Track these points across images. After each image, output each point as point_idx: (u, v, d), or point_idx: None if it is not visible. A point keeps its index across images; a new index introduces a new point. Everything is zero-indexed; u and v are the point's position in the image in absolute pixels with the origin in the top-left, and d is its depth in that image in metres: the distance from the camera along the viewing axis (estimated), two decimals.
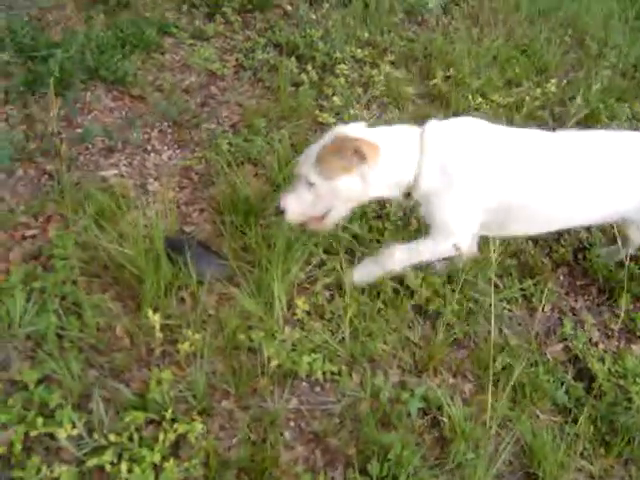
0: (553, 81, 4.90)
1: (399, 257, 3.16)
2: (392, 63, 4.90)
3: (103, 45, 4.34)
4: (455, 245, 3.08)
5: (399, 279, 3.28)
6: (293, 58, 4.63)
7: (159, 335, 2.86)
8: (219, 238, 3.41)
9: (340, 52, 4.77)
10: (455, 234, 3.08)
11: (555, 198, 3.15)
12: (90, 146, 3.84)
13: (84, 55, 4.23)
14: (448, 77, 4.86)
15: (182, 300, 3.10)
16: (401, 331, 3.19)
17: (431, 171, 2.96)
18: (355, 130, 2.97)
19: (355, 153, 2.81)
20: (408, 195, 3.06)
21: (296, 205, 2.96)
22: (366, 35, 5.09)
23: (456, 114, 4.56)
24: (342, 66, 4.65)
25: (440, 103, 4.68)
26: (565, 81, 5.09)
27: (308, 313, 3.14)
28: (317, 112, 4.29)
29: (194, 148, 3.97)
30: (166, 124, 4.11)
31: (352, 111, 4.29)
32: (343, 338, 3.07)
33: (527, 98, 4.77)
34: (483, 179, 3.01)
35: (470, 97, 4.66)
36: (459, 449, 2.71)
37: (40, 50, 4.24)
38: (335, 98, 4.36)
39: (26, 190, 3.54)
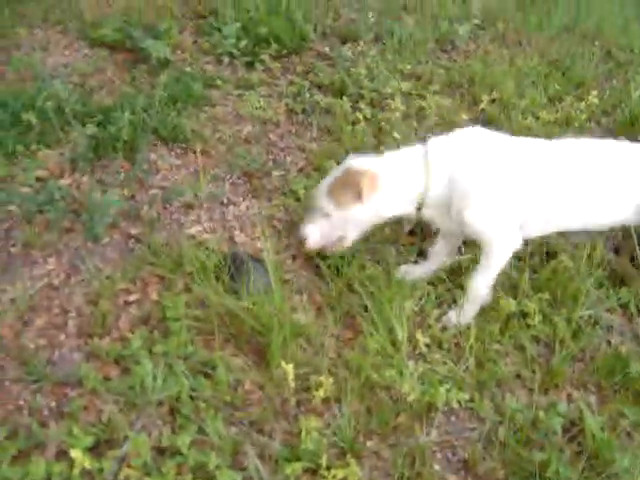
0: (594, 93, 4.99)
1: (482, 283, 3.26)
2: (437, 93, 4.95)
3: (157, 104, 4.36)
4: (508, 245, 3.23)
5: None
6: (345, 98, 4.66)
7: (292, 385, 2.87)
8: (320, 282, 3.44)
9: (388, 87, 4.82)
10: (498, 238, 3.21)
11: (555, 201, 3.28)
12: (168, 205, 3.84)
13: (141, 116, 4.24)
14: (493, 100, 4.92)
15: (301, 347, 3.10)
16: (522, 352, 3.23)
17: (440, 188, 3.14)
18: (363, 161, 3.18)
19: (357, 186, 3.05)
20: (419, 209, 3.23)
21: (314, 234, 3.23)
22: (408, 67, 5.15)
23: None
24: (392, 101, 4.69)
25: (493, 127, 4.72)
26: (607, 92, 5.18)
27: (427, 345, 3.16)
28: (381, 148, 4.31)
29: (270, 196, 3.99)
30: (236, 175, 4.12)
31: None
32: (467, 366, 3.09)
33: (573, 113, 4.85)
34: (495, 184, 3.15)
35: (520, 117, 4.72)
36: (613, 458, 2.74)
37: (96, 115, 4.26)
38: (395, 133, 4.41)
39: (116, 255, 3.53)
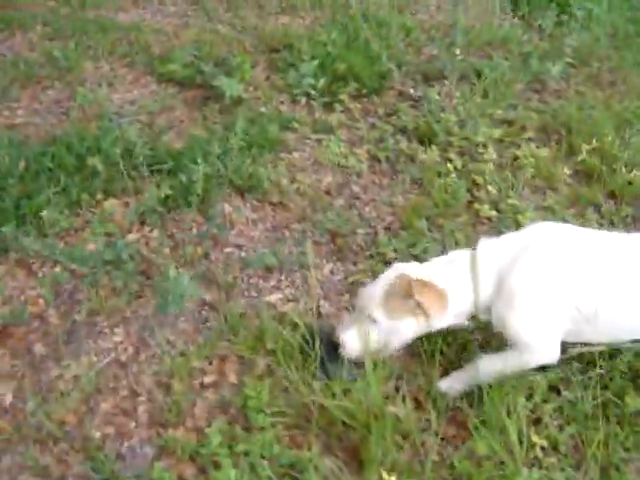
0: None
1: (485, 369, 2.90)
2: (531, 140, 4.55)
3: (232, 151, 4.02)
4: (543, 359, 2.90)
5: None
6: (434, 146, 4.29)
7: None
8: (416, 365, 3.07)
9: (480, 134, 4.42)
10: (535, 346, 2.86)
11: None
12: (244, 267, 3.51)
13: (216, 166, 3.91)
14: (593, 149, 4.49)
15: (399, 445, 2.73)
16: None
17: (488, 293, 2.83)
18: (416, 271, 2.85)
19: (417, 299, 2.72)
20: (473, 317, 2.91)
21: (356, 340, 2.83)
22: (499, 112, 4.75)
23: (612, 193, 4.23)
24: (484, 149, 4.31)
25: (596, 180, 4.31)
26: None
27: (543, 448, 2.77)
28: (476, 206, 3.94)
29: (355, 259, 3.63)
30: (318, 233, 3.77)
31: (510, 200, 3.95)
32: (586, 472, 2.70)
33: None
34: (545, 292, 2.80)
35: (623, 170, 4.30)
36: None
37: (166, 161, 3.96)
38: (490, 187, 4.02)
39: (189, 326, 3.22)
